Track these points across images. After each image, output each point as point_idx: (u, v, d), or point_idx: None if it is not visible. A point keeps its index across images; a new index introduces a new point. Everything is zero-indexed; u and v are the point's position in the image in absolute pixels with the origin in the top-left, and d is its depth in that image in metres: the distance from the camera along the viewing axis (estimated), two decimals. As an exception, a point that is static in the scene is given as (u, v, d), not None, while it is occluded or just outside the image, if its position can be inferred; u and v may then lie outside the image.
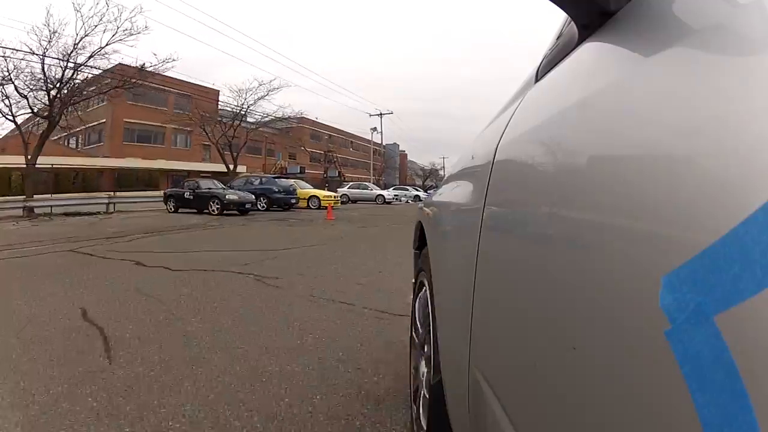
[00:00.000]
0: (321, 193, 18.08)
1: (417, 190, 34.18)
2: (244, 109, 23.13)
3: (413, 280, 1.68)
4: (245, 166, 28.51)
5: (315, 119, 39.92)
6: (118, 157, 26.71)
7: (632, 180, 0.32)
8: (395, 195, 26.32)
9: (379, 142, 43.38)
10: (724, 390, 0.20)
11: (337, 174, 35.44)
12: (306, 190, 17.87)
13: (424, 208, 1.56)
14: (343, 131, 49.55)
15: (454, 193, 1.09)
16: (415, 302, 1.50)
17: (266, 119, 25.27)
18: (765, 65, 0.24)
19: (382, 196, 24.75)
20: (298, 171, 33.95)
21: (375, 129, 41.14)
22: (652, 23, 0.40)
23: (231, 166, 22.09)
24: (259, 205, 15.03)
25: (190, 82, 23.09)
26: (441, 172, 62.78)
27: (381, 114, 41.32)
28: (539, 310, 0.44)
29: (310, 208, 16.83)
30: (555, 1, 0.52)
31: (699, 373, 0.22)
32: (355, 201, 23.93)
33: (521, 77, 0.91)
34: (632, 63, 0.41)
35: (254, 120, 25.45)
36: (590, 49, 0.53)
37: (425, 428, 1.02)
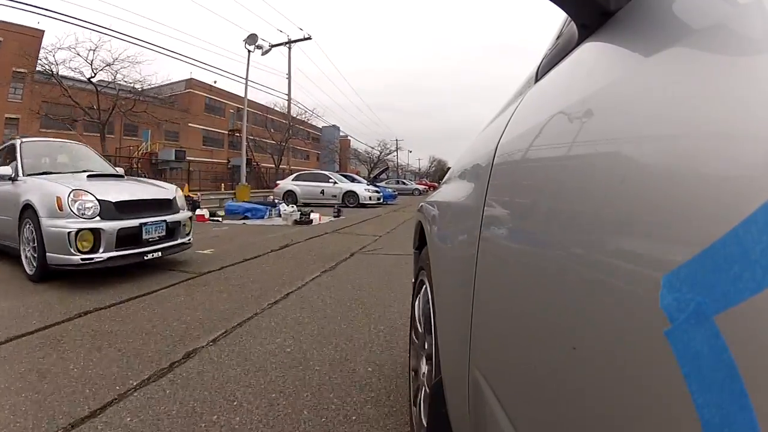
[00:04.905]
0: None
1: (360, 181, 18.11)
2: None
3: (413, 280, 1.68)
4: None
5: (212, 84, 25.35)
6: None
7: (632, 180, 0.32)
8: (281, 205, 9.19)
9: (289, 95, 23.36)
10: (724, 390, 0.20)
11: (246, 162, 19.70)
12: None
13: (424, 208, 1.56)
14: (259, 105, 29.49)
15: (453, 192, 1.09)
16: (415, 302, 1.50)
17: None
18: (765, 65, 0.24)
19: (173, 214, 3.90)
20: (173, 157, 22.41)
21: (259, 44, 17.10)
22: (652, 23, 0.40)
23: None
24: None
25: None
26: (393, 158, 52.47)
27: (290, 42, 21.45)
28: (539, 310, 0.44)
29: None
30: (555, 1, 0.52)
31: (699, 373, 0.22)
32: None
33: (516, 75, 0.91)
34: (632, 63, 0.41)
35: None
36: (590, 49, 0.53)
37: (425, 428, 1.02)
